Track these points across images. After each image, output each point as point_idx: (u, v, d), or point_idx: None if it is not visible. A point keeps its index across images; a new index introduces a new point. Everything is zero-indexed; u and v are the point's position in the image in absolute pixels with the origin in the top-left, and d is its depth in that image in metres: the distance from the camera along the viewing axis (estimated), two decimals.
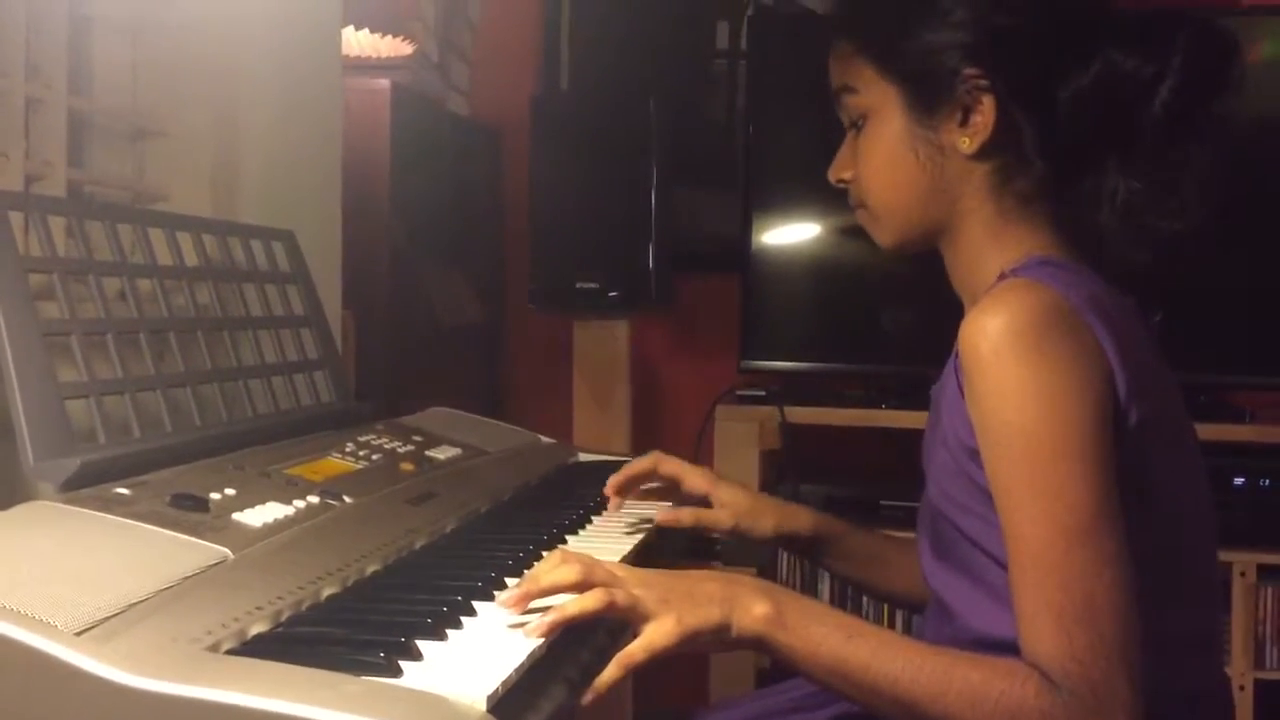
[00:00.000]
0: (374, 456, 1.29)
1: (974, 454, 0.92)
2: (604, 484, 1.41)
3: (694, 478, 1.22)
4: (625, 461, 1.62)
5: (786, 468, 2.31)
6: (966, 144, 1.00)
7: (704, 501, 1.22)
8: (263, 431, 1.27)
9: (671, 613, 0.87)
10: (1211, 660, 1.01)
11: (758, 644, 0.90)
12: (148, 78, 1.48)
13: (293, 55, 1.65)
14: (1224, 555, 2.06)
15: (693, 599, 0.89)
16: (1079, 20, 0.98)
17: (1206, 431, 2.06)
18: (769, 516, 1.21)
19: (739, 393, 2.35)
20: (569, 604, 0.85)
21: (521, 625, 0.84)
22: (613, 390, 2.33)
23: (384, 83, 2.11)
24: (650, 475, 1.20)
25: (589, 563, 0.88)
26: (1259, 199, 2.19)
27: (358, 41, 2.15)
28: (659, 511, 1.14)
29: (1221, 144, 0.98)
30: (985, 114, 0.99)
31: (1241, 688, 2.08)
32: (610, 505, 1.21)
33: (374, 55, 2.17)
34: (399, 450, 1.35)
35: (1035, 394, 0.87)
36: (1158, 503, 0.93)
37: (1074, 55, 0.96)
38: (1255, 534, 2.08)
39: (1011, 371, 0.87)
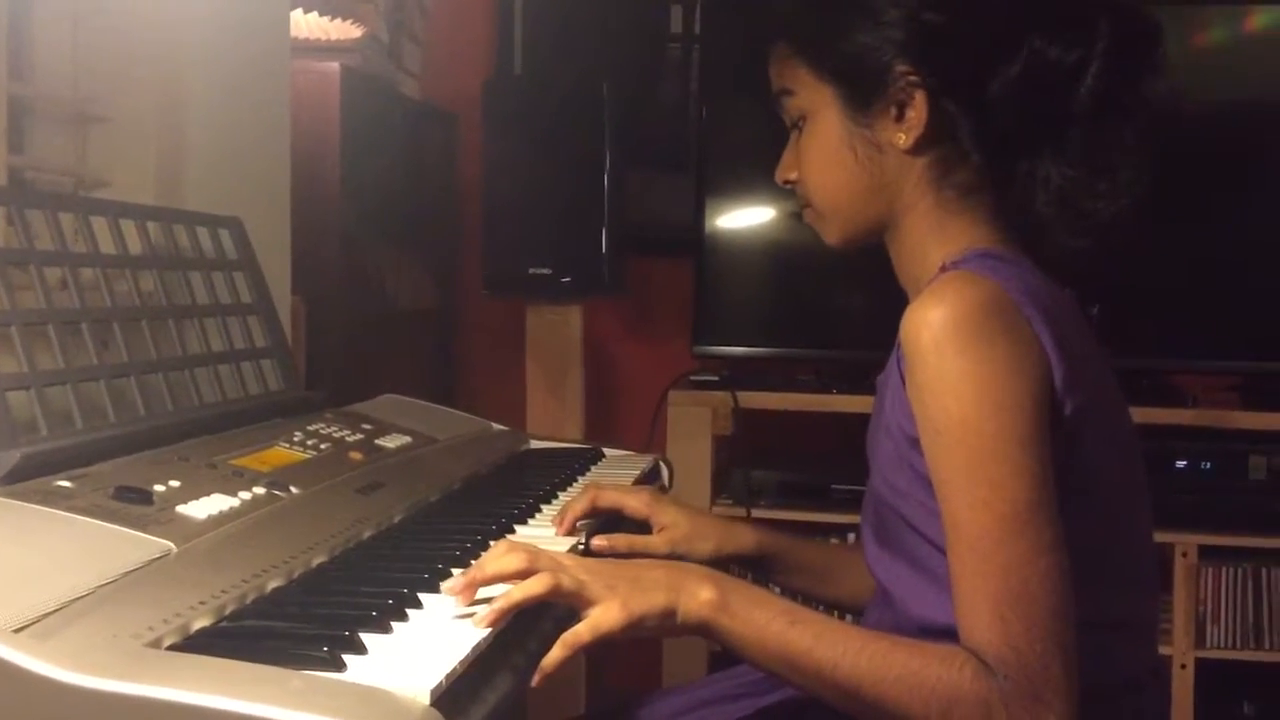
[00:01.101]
0: (322, 446, 1.29)
1: (915, 443, 0.93)
2: (555, 472, 1.42)
3: (633, 504, 1.20)
4: (576, 448, 1.63)
5: (739, 452, 2.32)
6: (902, 139, 1.01)
7: (646, 524, 1.22)
8: (209, 421, 1.25)
9: (617, 597, 0.88)
10: (1148, 645, 1.03)
11: (702, 629, 0.91)
12: (90, 62, 1.46)
13: (239, 39, 1.63)
14: (1166, 536, 2.12)
15: (639, 584, 0.90)
16: (1006, 13, 0.99)
17: (1149, 415, 2.14)
18: (708, 539, 1.20)
19: (692, 378, 2.36)
20: (514, 590, 0.85)
21: (469, 616, 0.84)
22: (566, 376, 2.33)
23: (334, 66, 2.09)
24: (590, 513, 1.17)
25: (534, 551, 0.89)
26: (1201, 185, 2.22)
27: (306, 24, 2.12)
28: (595, 540, 1.13)
29: (1152, 125, 0.99)
30: (919, 109, 1.00)
31: (1183, 666, 2.12)
32: (558, 533, 1.19)
33: (323, 38, 2.14)
34: (348, 439, 1.35)
35: (974, 385, 0.88)
36: (1093, 491, 0.95)
37: (1002, 47, 0.98)
38: (1196, 515, 2.13)
39: (951, 362, 0.89)
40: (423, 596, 0.89)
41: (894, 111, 1.01)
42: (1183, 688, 2.12)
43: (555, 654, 0.85)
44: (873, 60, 1.00)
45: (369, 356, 2.22)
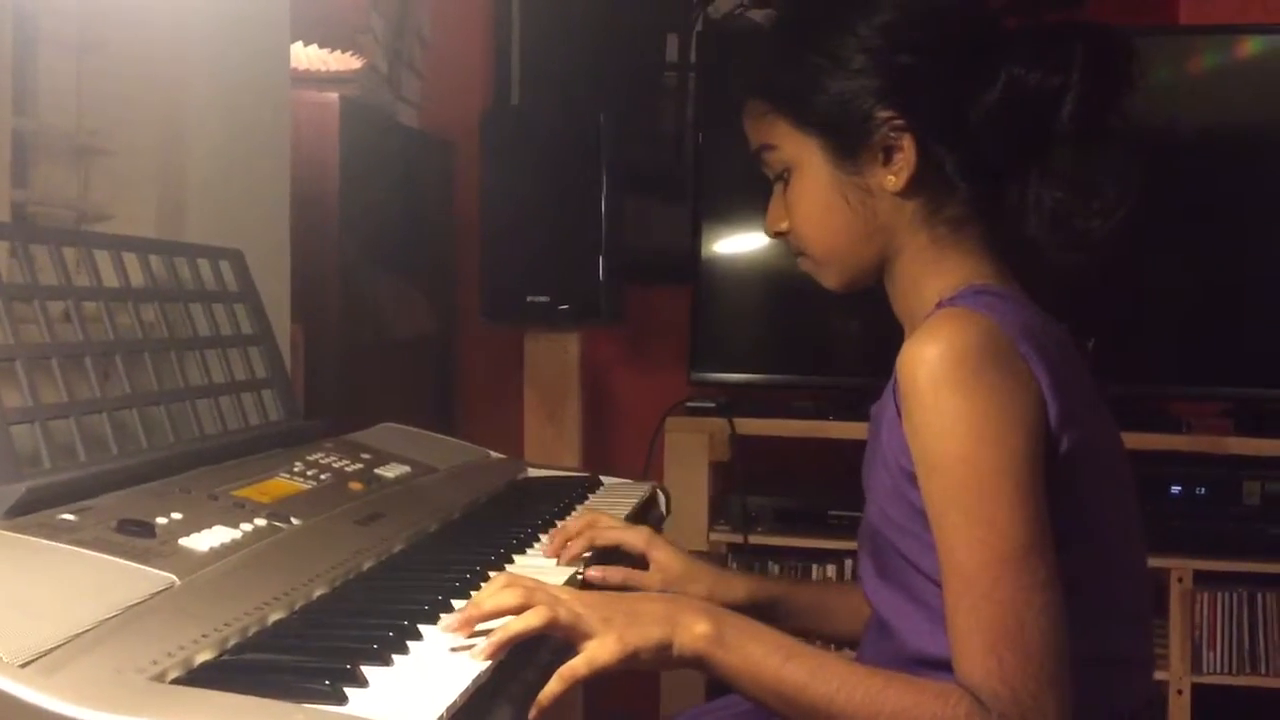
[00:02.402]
0: (322, 476, 1.30)
1: (911, 477, 0.94)
2: (553, 500, 1.43)
3: (631, 539, 1.21)
4: (574, 476, 1.64)
5: (736, 479, 2.33)
6: (893, 182, 1.02)
7: (643, 558, 1.23)
8: (211, 452, 1.26)
9: (613, 630, 0.89)
10: (1143, 677, 1.03)
11: (698, 663, 0.91)
12: (92, 96, 1.48)
13: (240, 71, 1.65)
14: (1161, 562, 2.13)
15: (635, 618, 0.91)
16: (977, 44, 1.00)
17: (1144, 441, 2.15)
18: (700, 584, 1.20)
19: (689, 404, 2.37)
20: (513, 622, 0.86)
21: (467, 648, 0.85)
22: (564, 403, 2.34)
23: (333, 97, 2.11)
24: (583, 536, 1.18)
25: (531, 585, 0.90)
26: (1196, 211, 2.25)
27: (306, 56, 2.14)
28: (590, 570, 1.14)
29: (1135, 140, 1.01)
30: (907, 151, 1.01)
31: (1180, 692, 2.13)
32: (548, 552, 1.20)
33: (323, 69, 2.16)
34: (347, 469, 1.36)
35: (970, 423, 0.89)
36: (1089, 527, 0.96)
37: (978, 78, 0.99)
38: (1191, 541, 2.14)
39: (948, 401, 0.90)
40: (423, 628, 0.89)
41: (881, 156, 1.02)
42: (1179, 714, 2.12)
43: (552, 687, 0.86)
44: (853, 108, 1.01)
45: (367, 385, 2.23)
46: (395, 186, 2.41)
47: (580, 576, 1.14)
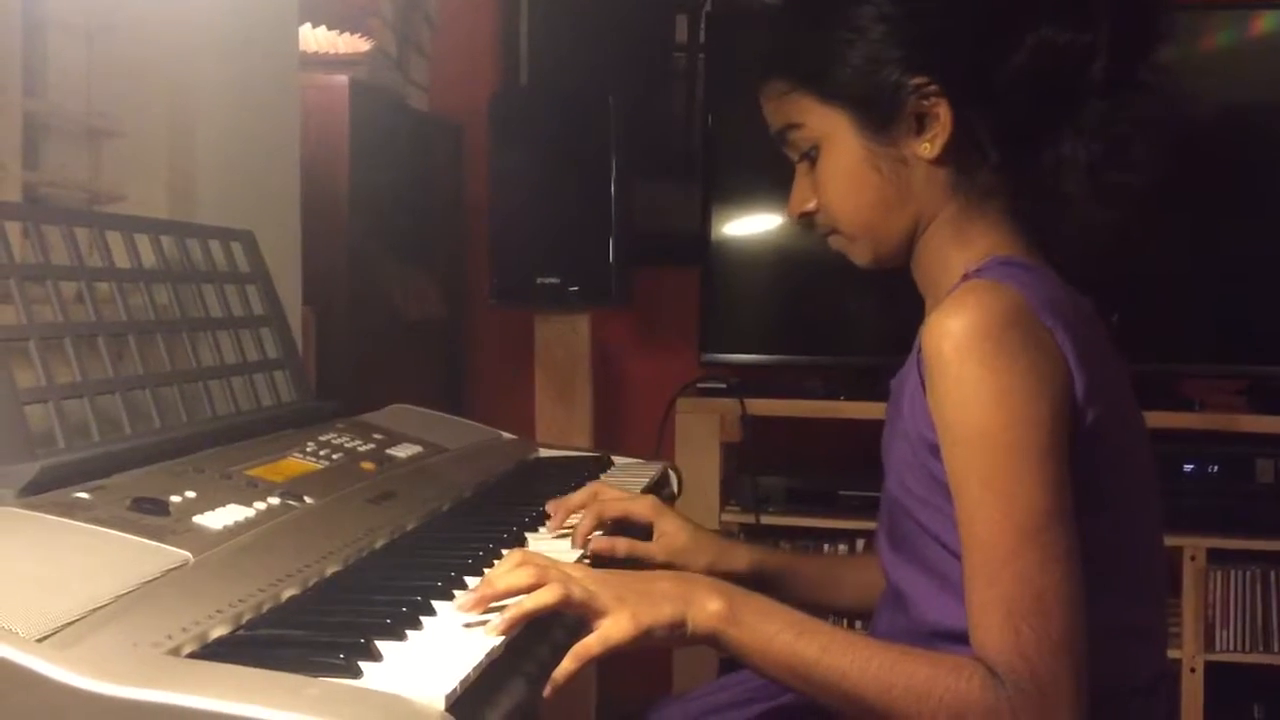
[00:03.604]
0: (335, 456, 1.30)
1: (934, 449, 0.94)
2: (565, 479, 1.43)
3: (638, 509, 1.21)
4: (585, 456, 1.65)
5: (747, 459, 2.33)
6: (928, 149, 1.01)
7: (649, 529, 1.23)
8: (223, 432, 1.27)
9: (626, 609, 0.89)
10: (1158, 649, 1.03)
11: (712, 640, 0.92)
12: (103, 78, 1.48)
13: (249, 53, 1.65)
14: (1174, 540, 2.13)
15: (648, 596, 0.91)
16: (998, 5, 0.99)
17: (1157, 419, 2.12)
18: (704, 554, 1.21)
19: (699, 385, 2.37)
20: (526, 599, 0.87)
21: (481, 624, 0.85)
22: (574, 385, 2.34)
23: (342, 79, 2.11)
24: (597, 528, 1.18)
25: (544, 564, 0.90)
26: (1208, 189, 2.24)
27: (315, 38, 2.14)
28: (596, 540, 1.15)
29: (1167, 94, 1.00)
30: (943, 117, 1.00)
31: (1193, 670, 2.13)
32: (550, 526, 1.20)
33: (332, 52, 2.16)
34: (360, 449, 1.36)
35: (995, 395, 0.89)
36: (1110, 500, 0.95)
37: (1006, 39, 0.98)
38: (1204, 519, 2.13)
39: (973, 372, 0.89)
40: (436, 604, 0.90)
41: (914, 124, 1.01)
42: (1192, 691, 2.12)
43: (566, 666, 0.86)
44: (881, 78, 1.00)
45: (378, 367, 2.23)
46: (405, 169, 2.41)
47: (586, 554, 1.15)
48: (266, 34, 1.70)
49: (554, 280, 2.25)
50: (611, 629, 0.88)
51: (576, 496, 1.22)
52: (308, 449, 1.29)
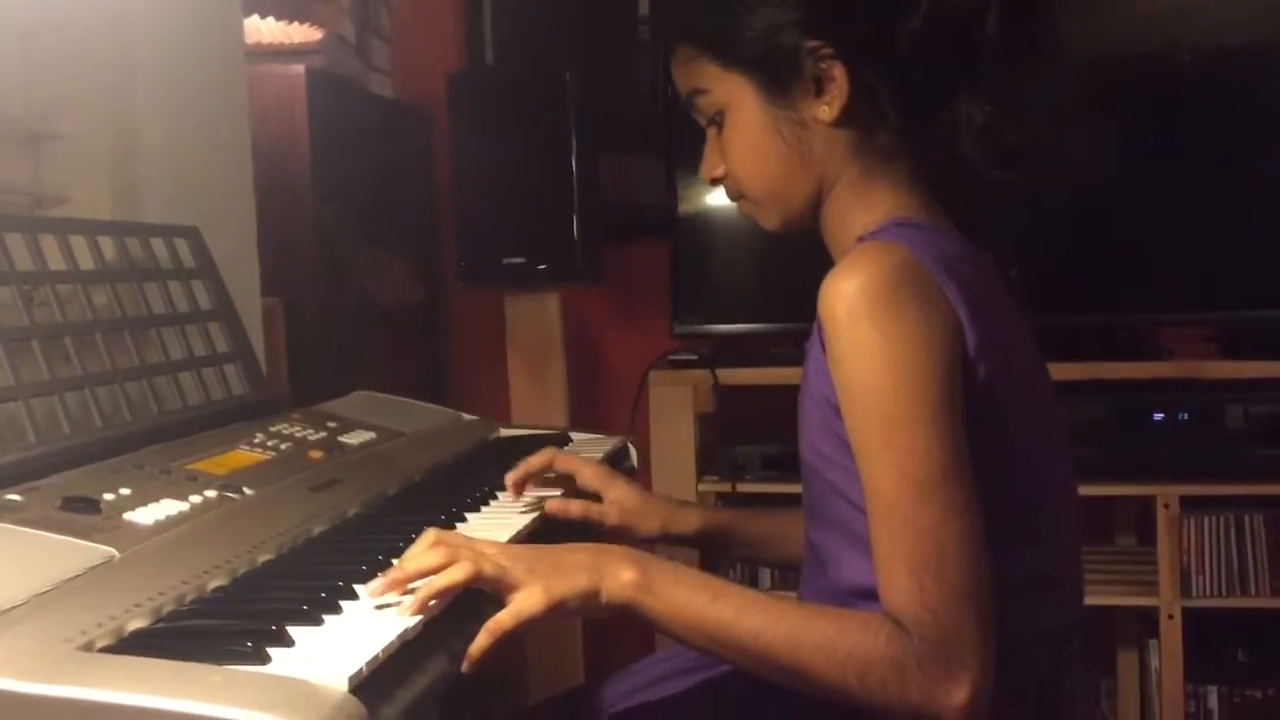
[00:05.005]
0: (283, 446, 1.31)
1: (837, 409, 0.95)
2: (518, 459, 1.44)
3: (588, 473, 1.25)
4: (543, 434, 1.66)
5: (722, 429, 2.34)
6: (826, 112, 1.02)
7: (598, 497, 1.25)
8: (169, 428, 1.28)
9: (539, 581, 0.90)
10: (1071, 598, 1.04)
11: (626, 609, 0.93)
12: (40, 78, 1.48)
13: (191, 48, 1.65)
14: (1147, 489, 2.14)
15: (560, 568, 0.92)
16: None
17: (1126, 370, 2.15)
18: (655, 517, 1.24)
19: (671, 358, 2.38)
20: (436, 578, 0.88)
21: (398, 606, 0.86)
22: (547, 363, 2.35)
23: (298, 68, 2.11)
24: (548, 469, 1.23)
25: (457, 542, 0.91)
26: (1176, 135, 2.23)
27: (267, 29, 2.14)
28: (550, 500, 1.18)
29: (1056, 52, 1.01)
30: (839, 80, 1.01)
31: (1170, 616, 2.14)
32: (508, 496, 1.24)
33: (285, 42, 2.16)
34: (310, 438, 1.37)
35: (886, 354, 0.90)
36: (1011, 453, 0.96)
37: (902, 1, 0.99)
38: (1176, 467, 2.14)
39: (864, 332, 0.91)
40: (358, 588, 0.91)
41: (812, 87, 1.02)
42: (1171, 638, 2.13)
43: (480, 641, 0.87)
44: (780, 42, 1.01)
45: (354, 355, 2.24)
46: (370, 155, 2.41)
47: (538, 513, 1.17)
48: (208, 27, 1.70)
49: (519, 260, 2.26)
50: (524, 602, 0.89)
51: (535, 459, 1.25)
52: (255, 440, 1.30)
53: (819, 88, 1.02)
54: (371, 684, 0.76)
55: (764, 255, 2.42)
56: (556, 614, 0.90)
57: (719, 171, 1.11)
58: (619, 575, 0.92)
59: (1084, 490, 2.10)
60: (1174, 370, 2.17)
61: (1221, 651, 2.24)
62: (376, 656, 0.78)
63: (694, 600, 0.91)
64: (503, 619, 0.89)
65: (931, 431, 0.88)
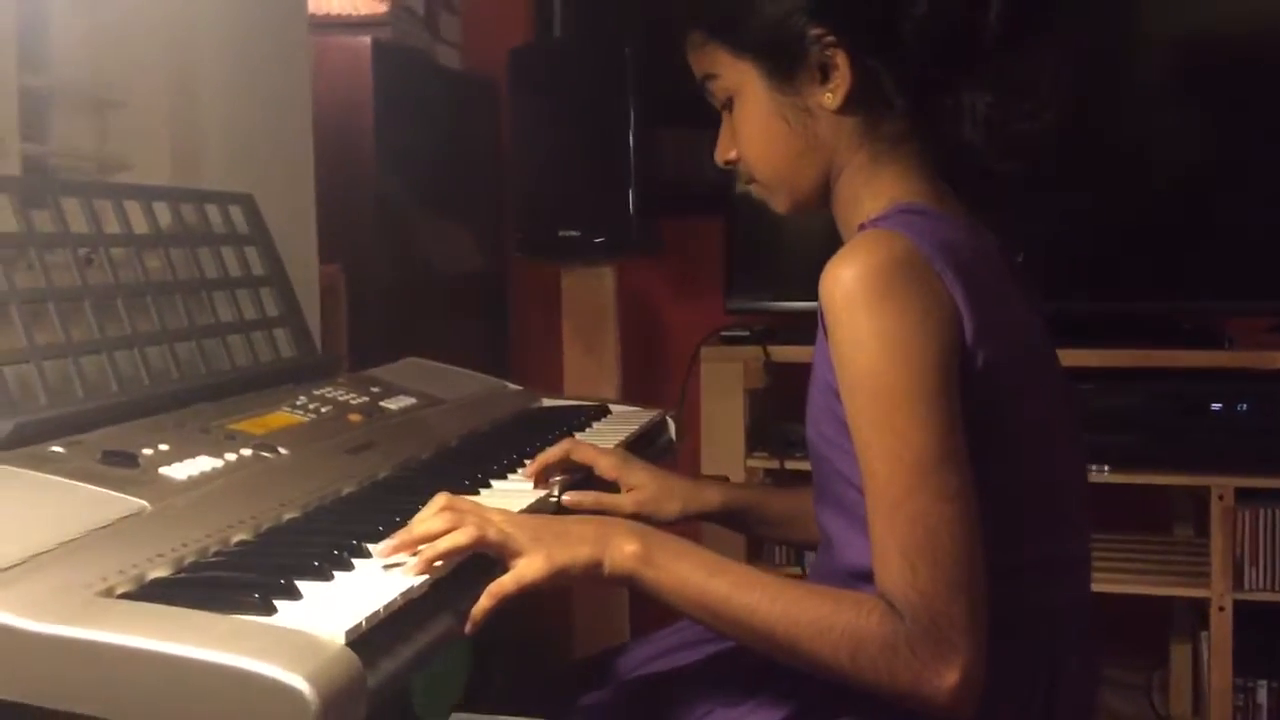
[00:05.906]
0: (324, 409, 1.35)
1: (838, 393, 0.96)
2: (552, 428, 1.47)
3: (604, 464, 1.25)
4: (582, 405, 1.68)
5: (772, 406, 2.35)
6: (830, 99, 1.03)
7: (616, 485, 1.26)
8: (216, 389, 1.32)
9: (542, 549, 0.93)
10: (1075, 580, 1.05)
11: (628, 581, 0.95)
12: (105, 48, 1.53)
13: (254, 17, 1.70)
14: (1202, 480, 2.10)
15: (564, 538, 0.95)
16: None
17: (1186, 358, 2.11)
18: (674, 500, 1.25)
19: (723, 334, 2.39)
20: (441, 540, 0.91)
21: (405, 566, 0.90)
22: (601, 336, 2.37)
23: (365, 40, 2.16)
24: (565, 461, 1.24)
25: (465, 508, 0.94)
26: (1245, 127, 2.18)
27: (334, 1, 2.19)
28: (567, 496, 1.19)
29: (1064, 39, 1.01)
30: (842, 68, 1.02)
31: (1221, 609, 2.10)
32: (527, 474, 1.25)
33: (352, 13, 2.21)
34: (351, 402, 1.41)
35: (882, 341, 0.91)
36: (1010, 437, 0.97)
37: None
38: (1232, 458, 2.10)
39: (861, 319, 0.92)
40: (372, 547, 0.94)
41: (817, 74, 1.03)
42: (1221, 630, 2.10)
43: (482, 603, 0.91)
44: (787, 29, 1.02)
45: (415, 323, 2.28)
46: (435, 126, 2.45)
47: (555, 500, 1.19)
48: None
49: (575, 232, 2.28)
50: (526, 568, 0.92)
51: (553, 450, 1.26)
52: (297, 403, 1.34)
53: (824, 75, 1.03)
54: (371, 639, 0.79)
55: (819, 234, 2.40)
56: (557, 580, 0.93)
57: (731, 155, 1.13)
58: (622, 547, 0.95)
59: (1137, 479, 2.13)
60: (1235, 360, 2.13)
61: (1274, 646, 2.20)
62: (377, 613, 0.81)
63: (694, 574, 0.94)
64: (505, 582, 0.92)
65: (925, 418, 0.89)
